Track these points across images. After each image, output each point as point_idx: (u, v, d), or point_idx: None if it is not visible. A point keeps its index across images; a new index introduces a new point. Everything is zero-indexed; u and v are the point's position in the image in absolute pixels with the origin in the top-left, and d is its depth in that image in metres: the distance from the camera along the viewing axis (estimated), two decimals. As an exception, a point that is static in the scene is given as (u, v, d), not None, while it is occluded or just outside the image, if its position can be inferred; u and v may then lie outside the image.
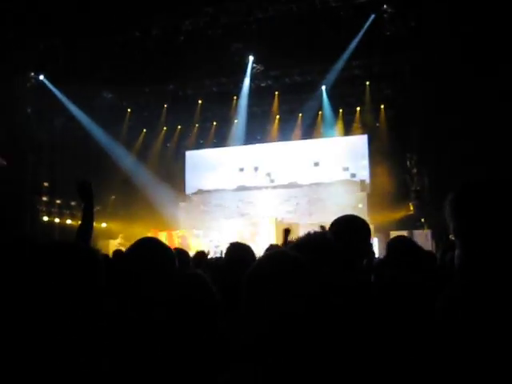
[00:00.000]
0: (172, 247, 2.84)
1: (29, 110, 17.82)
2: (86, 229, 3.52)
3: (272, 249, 4.66)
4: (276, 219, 21.04)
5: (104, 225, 20.93)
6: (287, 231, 6.46)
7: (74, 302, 1.74)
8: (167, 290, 2.26)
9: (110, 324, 2.00)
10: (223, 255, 4.56)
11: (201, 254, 7.00)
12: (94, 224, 3.67)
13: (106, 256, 5.99)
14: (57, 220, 19.34)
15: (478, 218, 1.72)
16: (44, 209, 19.21)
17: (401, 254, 4.34)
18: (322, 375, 1.64)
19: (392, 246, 4.54)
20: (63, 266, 1.78)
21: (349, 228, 2.90)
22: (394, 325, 2.30)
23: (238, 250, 4.09)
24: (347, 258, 2.53)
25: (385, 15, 15.67)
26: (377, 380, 1.93)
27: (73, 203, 19.15)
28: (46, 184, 18.94)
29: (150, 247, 2.58)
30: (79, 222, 3.56)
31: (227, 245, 4.37)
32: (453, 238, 1.83)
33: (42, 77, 18.26)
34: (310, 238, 2.52)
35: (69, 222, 19.33)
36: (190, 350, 2.11)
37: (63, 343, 1.70)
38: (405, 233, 13.96)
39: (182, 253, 4.76)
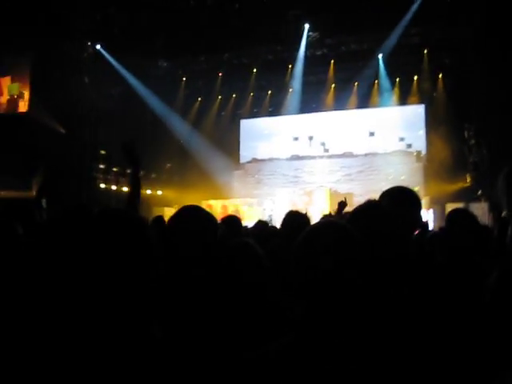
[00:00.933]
0: (226, 214, 2.84)
1: (86, 79, 18.05)
2: (135, 194, 3.54)
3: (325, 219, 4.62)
4: (330, 189, 20.96)
5: (160, 192, 21.21)
6: (343, 204, 6.38)
7: (127, 270, 1.76)
8: (206, 259, 2.28)
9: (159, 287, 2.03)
10: (273, 223, 4.56)
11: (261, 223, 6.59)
12: (150, 191, 3.67)
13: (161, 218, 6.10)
14: (113, 187, 19.66)
15: None
16: (101, 176, 19.55)
17: (459, 228, 4.26)
18: (368, 347, 1.64)
19: (451, 219, 4.45)
20: (114, 234, 1.79)
21: (399, 199, 2.86)
22: (444, 299, 2.28)
23: (295, 219, 4.06)
24: (399, 229, 2.50)
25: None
26: (423, 354, 1.92)
27: (128, 171, 19.39)
28: (103, 152, 19.23)
29: (188, 216, 2.60)
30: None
31: (281, 214, 4.35)
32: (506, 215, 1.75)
33: (98, 46, 18.44)
34: (364, 208, 2.51)
35: (125, 189, 19.64)
36: (234, 319, 2.13)
37: (120, 310, 1.73)
38: (461, 205, 13.68)
39: (234, 220, 4.77)
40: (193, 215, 2.61)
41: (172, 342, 1.78)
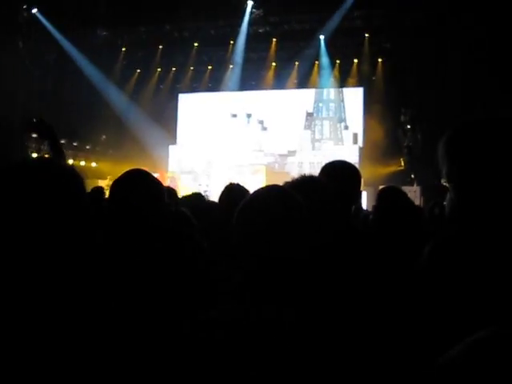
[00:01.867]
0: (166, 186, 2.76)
1: (21, 44, 17.49)
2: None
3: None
4: (266, 167, 21.03)
5: (94, 164, 20.84)
6: None
7: (58, 219, 1.66)
8: (160, 222, 2.22)
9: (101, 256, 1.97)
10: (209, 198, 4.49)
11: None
12: (84, 163, 3.55)
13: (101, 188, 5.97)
14: (46, 156, 19.19)
15: (473, 160, 1.62)
16: (34, 146, 19.04)
17: (391, 204, 4.34)
18: (307, 318, 1.62)
19: (382, 196, 4.54)
20: (39, 181, 1.67)
21: (341, 173, 2.85)
22: (382, 271, 2.29)
23: (235, 192, 3.94)
24: (339, 203, 2.49)
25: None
26: (362, 328, 1.92)
27: (62, 141, 18.98)
28: (35, 120, 18.69)
29: (141, 177, 2.51)
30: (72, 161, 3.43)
31: (217, 190, 4.28)
32: (444, 184, 1.73)
33: (35, 10, 17.84)
34: (303, 179, 2.48)
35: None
36: (180, 286, 2.08)
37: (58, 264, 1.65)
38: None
39: (171, 191, 4.71)
40: (145, 175, 2.53)
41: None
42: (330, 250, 2.13)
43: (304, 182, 2.45)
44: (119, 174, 2.52)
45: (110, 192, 2.46)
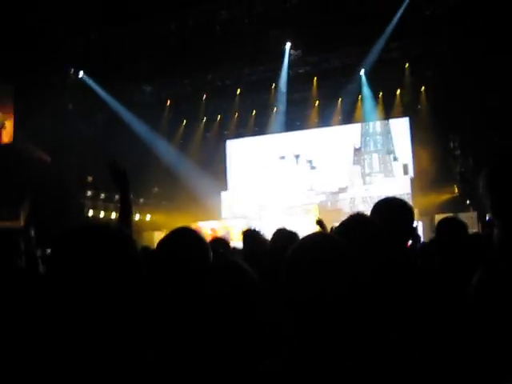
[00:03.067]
0: (214, 237, 2.80)
1: (70, 106, 18.04)
2: (126, 219, 3.41)
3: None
4: (319, 206, 20.98)
5: (148, 217, 21.14)
6: (320, 222, 6.37)
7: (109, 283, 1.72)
8: (202, 282, 2.24)
9: (149, 313, 2.00)
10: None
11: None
12: (139, 217, 3.64)
13: (148, 248, 6.00)
14: (102, 214, 19.59)
15: None
16: (89, 203, 19.48)
17: (449, 236, 4.25)
18: (361, 364, 1.61)
19: (440, 228, 4.44)
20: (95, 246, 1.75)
21: (391, 209, 2.84)
22: (435, 310, 2.26)
23: (284, 236, 3.98)
24: (391, 241, 2.48)
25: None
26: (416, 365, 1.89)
27: (117, 197, 19.32)
28: (90, 178, 19.18)
29: (180, 238, 2.54)
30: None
31: (270, 232, 4.30)
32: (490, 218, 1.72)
33: (81, 73, 18.44)
34: (354, 220, 2.49)
35: (113, 215, 19.56)
36: (230, 340, 2.09)
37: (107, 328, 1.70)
38: (450, 216, 13.71)
39: (220, 242, 4.73)
40: (181, 240, 2.55)
41: (163, 365, 1.75)
42: (383, 289, 2.12)
43: (353, 222, 2.46)
44: (174, 225, 2.58)
45: (155, 252, 2.53)
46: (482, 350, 1.60)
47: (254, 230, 4.30)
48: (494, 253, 1.70)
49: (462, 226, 4.41)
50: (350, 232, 2.33)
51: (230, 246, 5.09)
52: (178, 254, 2.42)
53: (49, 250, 2.12)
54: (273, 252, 3.80)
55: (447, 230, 4.33)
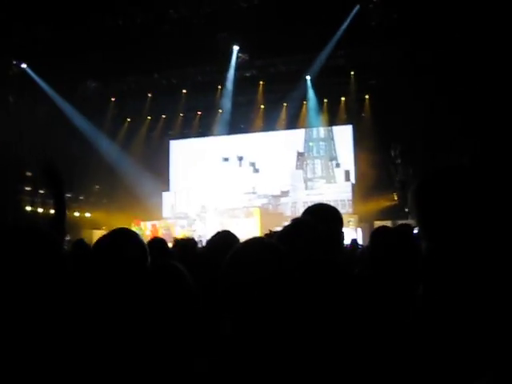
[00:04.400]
0: (153, 236, 2.78)
1: (11, 99, 17.64)
2: (59, 217, 3.31)
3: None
4: (261, 209, 21.06)
5: (88, 214, 20.84)
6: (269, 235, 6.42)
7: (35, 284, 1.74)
8: (139, 283, 2.23)
9: (81, 314, 1.99)
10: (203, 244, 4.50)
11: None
12: (79, 214, 3.56)
13: (87, 246, 5.90)
14: (40, 210, 19.20)
15: (439, 208, 1.69)
16: (28, 198, 19.06)
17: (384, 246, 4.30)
18: (295, 362, 1.64)
19: (375, 237, 4.49)
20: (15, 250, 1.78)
21: (324, 216, 2.90)
22: (364, 311, 2.30)
23: (221, 238, 3.98)
24: (327, 243, 2.54)
25: (370, 5, 15.64)
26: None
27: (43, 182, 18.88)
28: (28, 173, 18.77)
29: (118, 239, 2.51)
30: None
31: (212, 233, 4.30)
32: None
33: (24, 65, 18.04)
34: (296, 224, 2.55)
35: (52, 211, 19.16)
36: (165, 341, 2.09)
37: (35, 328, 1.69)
38: (389, 223, 13.96)
39: (159, 242, 4.71)
40: (123, 243, 2.51)
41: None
42: (313, 293, 2.15)
43: (296, 226, 2.52)
44: (114, 223, 2.56)
45: (93, 253, 2.49)
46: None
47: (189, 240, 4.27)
48: (427, 266, 1.77)
49: (399, 236, 4.46)
50: (292, 236, 2.39)
51: (167, 246, 5.05)
52: (115, 254, 2.40)
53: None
54: (208, 255, 3.78)
55: (382, 243, 4.39)
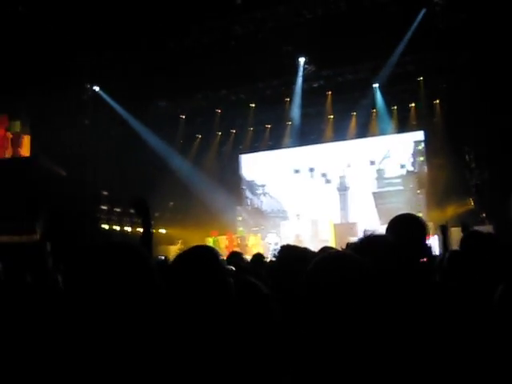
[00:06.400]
0: (231, 250, 2.80)
1: (86, 121, 18.17)
2: (146, 238, 3.84)
3: (325, 251, 4.55)
4: (332, 221, 20.95)
5: (163, 231, 21.16)
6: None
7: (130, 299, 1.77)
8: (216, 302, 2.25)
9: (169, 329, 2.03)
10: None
11: (257, 257, 6.86)
12: (154, 231, 3.88)
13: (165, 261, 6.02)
14: (116, 227, 19.64)
15: None
16: (104, 217, 19.53)
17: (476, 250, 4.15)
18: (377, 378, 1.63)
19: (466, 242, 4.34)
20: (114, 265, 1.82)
21: (406, 227, 2.85)
22: (454, 325, 2.25)
23: (289, 253, 3.97)
24: (407, 257, 2.50)
25: (436, 8, 15.38)
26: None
27: (132, 211, 19.31)
28: (105, 193, 19.25)
29: (193, 259, 2.53)
30: (137, 229, 3.75)
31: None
32: None
33: (97, 88, 18.59)
34: (369, 239, 2.51)
35: (128, 229, 19.61)
36: (254, 358, 2.10)
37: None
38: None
39: (236, 256, 4.76)
40: (198, 256, 2.54)
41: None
42: (400, 310, 2.13)
43: (371, 242, 2.49)
44: (189, 238, 2.60)
45: (172, 268, 2.53)
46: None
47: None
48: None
49: (490, 240, 4.29)
50: (365, 249, 2.36)
51: (244, 260, 5.11)
52: (193, 272, 2.42)
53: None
54: (280, 268, 3.77)
55: (475, 245, 4.23)
